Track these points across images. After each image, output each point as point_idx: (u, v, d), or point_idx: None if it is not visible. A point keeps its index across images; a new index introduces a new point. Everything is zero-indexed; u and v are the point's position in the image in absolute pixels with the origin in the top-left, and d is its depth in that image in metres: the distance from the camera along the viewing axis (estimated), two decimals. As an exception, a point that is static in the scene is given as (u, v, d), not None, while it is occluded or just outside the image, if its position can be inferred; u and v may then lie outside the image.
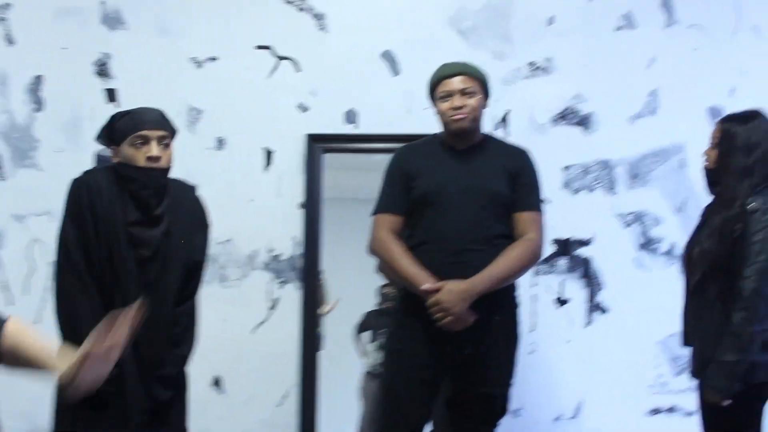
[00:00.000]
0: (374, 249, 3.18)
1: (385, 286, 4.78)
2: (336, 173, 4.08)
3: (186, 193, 2.89)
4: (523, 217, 3.04)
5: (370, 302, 4.52)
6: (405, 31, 4.05)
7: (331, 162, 4.03)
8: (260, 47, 4.06)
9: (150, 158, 2.67)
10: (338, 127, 4.02)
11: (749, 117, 2.77)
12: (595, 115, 3.98)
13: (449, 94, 3.05)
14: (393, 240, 3.09)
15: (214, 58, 4.06)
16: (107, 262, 2.63)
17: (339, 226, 4.12)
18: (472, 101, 3.04)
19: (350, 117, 4.02)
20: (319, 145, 4.00)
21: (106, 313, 2.22)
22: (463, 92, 3.04)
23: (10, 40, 4.05)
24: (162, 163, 2.71)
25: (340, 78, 4.03)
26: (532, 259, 3.04)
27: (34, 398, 3.16)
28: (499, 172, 3.06)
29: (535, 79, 4.01)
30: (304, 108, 4.03)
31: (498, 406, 3.08)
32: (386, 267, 3.96)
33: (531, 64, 4.01)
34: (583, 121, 3.98)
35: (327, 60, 4.04)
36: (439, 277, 2.95)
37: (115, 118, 2.76)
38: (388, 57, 4.05)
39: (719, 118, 2.86)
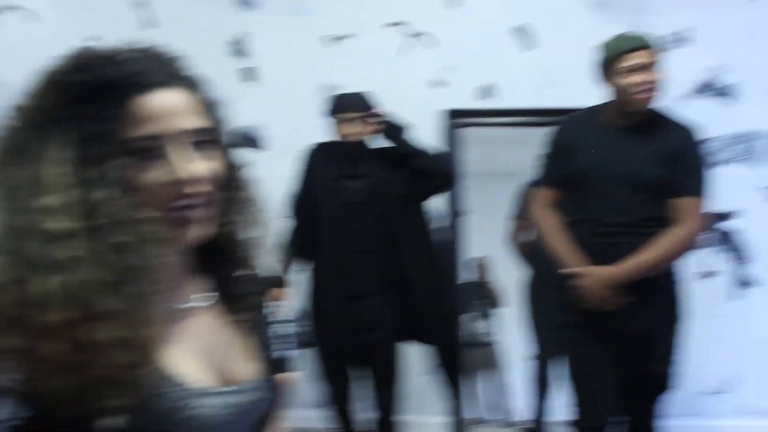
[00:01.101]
0: (533, 221, 3.25)
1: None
2: (471, 148, 4.10)
3: None
4: (679, 204, 2.90)
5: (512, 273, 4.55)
6: (538, 4, 4.01)
7: (465, 136, 4.04)
8: (393, 24, 4.06)
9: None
10: (473, 102, 4.02)
11: None
12: (738, 87, 3.92)
13: (634, 69, 2.87)
14: (549, 215, 3.07)
15: (347, 36, 4.07)
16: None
17: (476, 200, 4.15)
18: (658, 77, 2.88)
19: (486, 92, 4.01)
20: (456, 120, 4.00)
21: None
22: (649, 67, 2.87)
23: (154, 24, 4.12)
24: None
25: (474, 53, 4.01)
26: (683, 249, 2.92)
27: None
28: (657, 154, 2.91)
29: (673, 51, 3.94)
30: (438, 83, 4.03)
31: (657, 384, 3.02)
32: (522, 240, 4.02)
33: (668, 35, 3.95)
34: (725, 93, 3.93)
35: (460, 35, 4.03)
36: (589, 257, 2.93)
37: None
38: (522, 31, 4.02)
39: None
